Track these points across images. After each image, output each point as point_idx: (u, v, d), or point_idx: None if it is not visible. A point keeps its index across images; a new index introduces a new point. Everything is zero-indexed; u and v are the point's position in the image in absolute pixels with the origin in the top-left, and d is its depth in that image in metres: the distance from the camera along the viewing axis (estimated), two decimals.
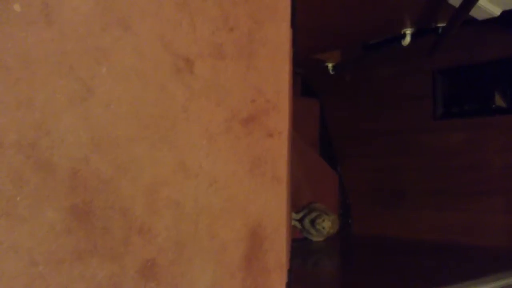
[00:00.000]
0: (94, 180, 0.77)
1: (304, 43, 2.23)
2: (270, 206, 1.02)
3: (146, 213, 0.83)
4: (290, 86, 1.10)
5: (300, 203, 3.20)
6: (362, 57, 2.82)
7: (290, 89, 1.10)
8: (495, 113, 2.93)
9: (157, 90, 0.86)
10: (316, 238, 3.07)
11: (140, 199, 0.82)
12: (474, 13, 1.71)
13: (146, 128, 0.84)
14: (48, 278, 0.71)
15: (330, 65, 2.64)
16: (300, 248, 2.88)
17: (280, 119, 1.05)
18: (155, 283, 0.83)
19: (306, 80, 3.76)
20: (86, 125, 0.77)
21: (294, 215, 3.08)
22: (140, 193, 0.82)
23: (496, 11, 1.71)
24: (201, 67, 0.93)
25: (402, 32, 1.94)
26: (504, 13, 1.71)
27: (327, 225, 2.92)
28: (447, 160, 3.10)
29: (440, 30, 1.91)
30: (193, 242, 0.89)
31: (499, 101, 2.93)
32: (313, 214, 2.99)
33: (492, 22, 2.37)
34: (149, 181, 0.84)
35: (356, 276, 2.17)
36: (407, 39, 1.94)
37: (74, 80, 0.77)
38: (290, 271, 1.69)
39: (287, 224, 1.07)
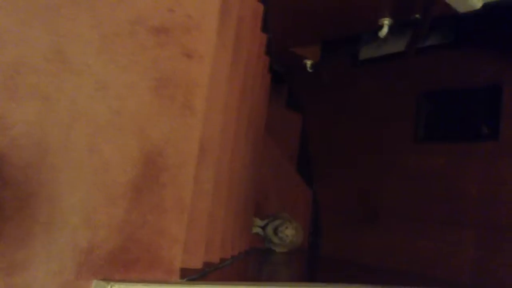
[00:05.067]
0: None
1: (281, 31, 2.12)
2: (177, 136, 0.87)
3: (0, 95, 0.68)
4: (219, 8, 0.96)
5: (267, 211, 3.03)
6: (342, 54, 2.72)
7: (219, 11, 0.96)
8: (477, 140, 2.80)
9: None
10: (279, 248, 2.88)
11: None
12: (455, 4, 1.60)
13: None
14: None
15: (309, 63, 2.52)
16: (259, 257, 2.70)
17: (203, 41, 0.91)
18: (1, 182, 0.67)
19: (292, 92, 3.68)
20: None
21: (258, 222, 2.91)
22: None
23: (478, 3, 1.61)
24: None
25: (380, 23, 1.83)
26: (486, 6, 1.61)
27: (290, 233, 2.73)
28: (425, 186, 2.94)
29: (417, 21, 1.81)
30: (62, 149, 0.74)
31: (482, 128, 2.81)
32: (277, 222, 2.81)
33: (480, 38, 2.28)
34: (10, 59, 0.69)
35: None
36: (385, 30, 1.83)
37: None
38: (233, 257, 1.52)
39: (196, 160, 0.91)
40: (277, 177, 3.34)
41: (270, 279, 2.27)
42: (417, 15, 1.72)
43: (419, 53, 3.04)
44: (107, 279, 0.75)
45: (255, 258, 2.61)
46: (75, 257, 0.75)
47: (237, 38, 1.30)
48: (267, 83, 2.56)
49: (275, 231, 2.80)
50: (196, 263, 1.10)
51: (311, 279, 2.69)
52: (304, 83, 3.60)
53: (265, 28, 2.06)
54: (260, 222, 2.91)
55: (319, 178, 3.53)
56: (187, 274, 1.03)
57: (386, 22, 1.80)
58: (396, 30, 2.24)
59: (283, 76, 3.16)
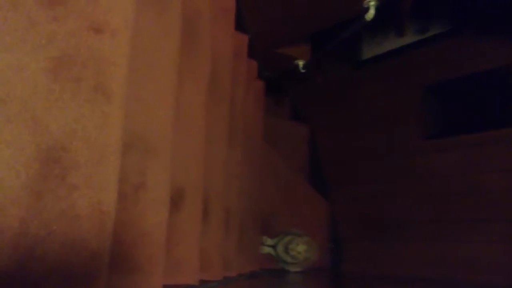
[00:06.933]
0: None
1: (262, 28, 1.97)
2: (87, 126, 0.71)
3: None
4: None
5: (277, 229, 2.83)
6: (341, 55, 2.55)
7: None
8: (492, 127, 2.55)
9: None
10: (294, 267, 2.66)
11: None
12: None
13: None
14: None
15: (300, 63, 2.34)
16: (272, 279, 2.49)
17: (116, 12, 0.76)
18: None
19: (294, 102, 3.54)
20: None
21: (268, 241, 2.71)
22: None
23: None
24: None
25: (366, 5, 1.67)
26: None
27: (302, 249, 2.51)
28: (441, 184, 2.70)
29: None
30: None
31: (495, 114, 2.58)
32: (286, 239, 2.60)
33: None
34: None
35: None
36: (371, 12, 1.67)
37: None
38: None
39: (118, 154, 0.74)
40: (287, 192, 3.15)
41: None
42: None
43: (421, 45, 2.87)
44: None
45: (266, 280, 2.40)
46: None
47: (190, 28, 1.15)
48: (257, 90, 2.40)
49: (286, 249, 2.60)
50: (154, 284, 0.92)
51: None
52: (304, 91, 3.46)
53: (243, 27, 1.91)
54: (270, 241, 2.70)
55: (334, 189, 3.32)
56: None
57: (372, 3, 1.64)
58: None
59: (280, 85, 3.00)
